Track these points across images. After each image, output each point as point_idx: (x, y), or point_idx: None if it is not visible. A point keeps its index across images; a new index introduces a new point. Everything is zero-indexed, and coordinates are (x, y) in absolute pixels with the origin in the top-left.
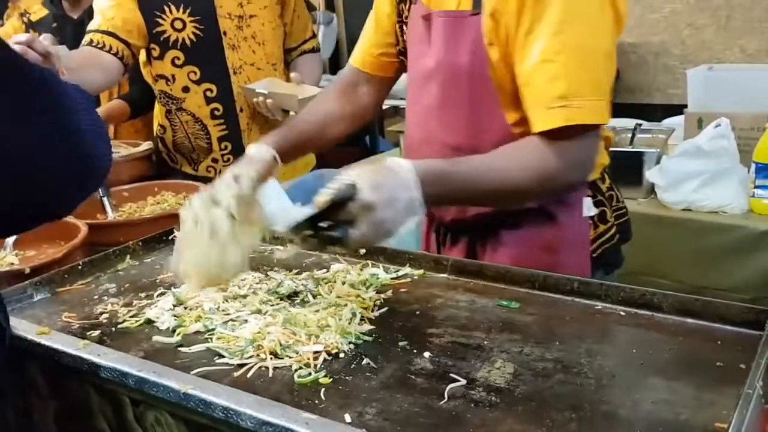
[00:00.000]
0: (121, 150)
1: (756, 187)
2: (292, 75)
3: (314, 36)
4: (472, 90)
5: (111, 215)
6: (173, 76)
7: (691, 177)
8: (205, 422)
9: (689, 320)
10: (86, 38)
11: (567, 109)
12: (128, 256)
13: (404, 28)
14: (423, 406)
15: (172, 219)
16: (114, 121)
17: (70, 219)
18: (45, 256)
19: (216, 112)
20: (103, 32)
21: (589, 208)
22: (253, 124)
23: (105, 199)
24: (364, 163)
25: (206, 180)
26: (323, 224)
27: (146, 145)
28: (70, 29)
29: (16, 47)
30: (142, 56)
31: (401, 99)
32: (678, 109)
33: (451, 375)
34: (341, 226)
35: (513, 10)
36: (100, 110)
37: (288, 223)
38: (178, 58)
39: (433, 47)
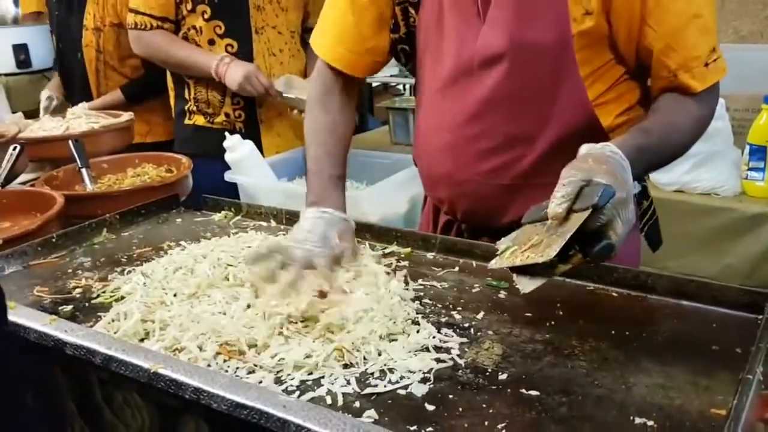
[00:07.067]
0: (101, 120)
1: (749, 169)
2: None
3: None
4: (554, 68)
5: (89, 187)
6: (200, 28)
7: (684, 158)
8: (175, 404)
9: (684, 302)
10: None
11: (718, 61)
12: (105, 230)
13: (411, 9)
14: (407, 388)
15: (151, 191)
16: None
17: (46, 190)
18: (18, 227)
19: None
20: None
21: (635, 185)
22: None
23: (84, 171)
24: None
25: (222, 131)
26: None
27: (127, 116)
28: None
29: None
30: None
31: (391, 76)
32: None
33: (438, 356)
34: (592, 236)
35: None
36: (97, 102)
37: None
38: (206, 12)
39: (496, 25)
